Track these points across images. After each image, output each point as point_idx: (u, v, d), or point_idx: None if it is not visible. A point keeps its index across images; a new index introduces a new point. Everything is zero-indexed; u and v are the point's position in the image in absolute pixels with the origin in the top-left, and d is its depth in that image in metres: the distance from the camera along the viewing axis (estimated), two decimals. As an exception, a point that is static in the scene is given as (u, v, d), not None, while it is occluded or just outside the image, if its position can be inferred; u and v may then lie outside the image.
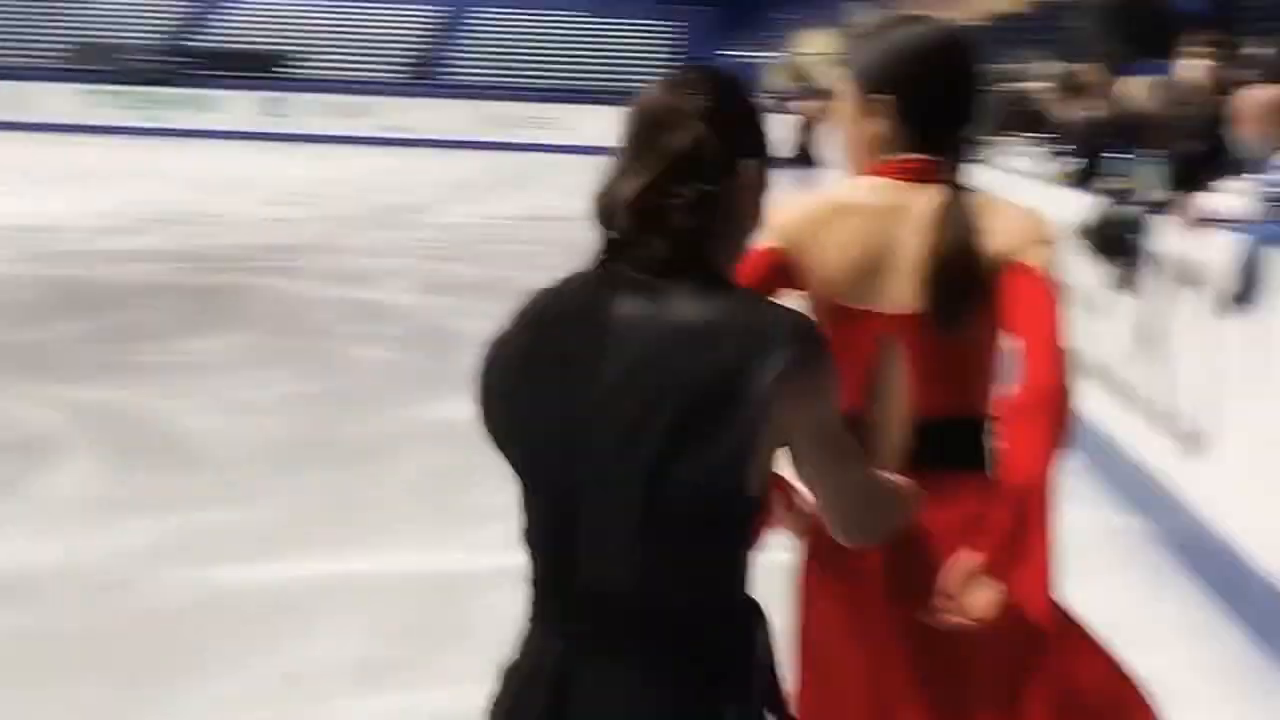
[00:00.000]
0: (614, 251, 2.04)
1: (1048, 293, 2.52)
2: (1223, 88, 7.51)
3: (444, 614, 5.50)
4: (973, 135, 2.66)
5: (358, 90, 41.48)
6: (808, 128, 23.24)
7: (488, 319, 9.76)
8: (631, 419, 1.93)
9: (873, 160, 2.64)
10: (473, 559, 6.12)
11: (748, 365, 1.91)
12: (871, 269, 2.59)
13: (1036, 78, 21.34)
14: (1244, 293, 5.53)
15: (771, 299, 2.09)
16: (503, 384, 2.08)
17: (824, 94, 37.74)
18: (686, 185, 1.98)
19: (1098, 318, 7.96)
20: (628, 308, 1.98)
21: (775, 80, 44.99)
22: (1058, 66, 20.37)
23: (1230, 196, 6.14)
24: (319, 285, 13.68)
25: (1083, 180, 8.21)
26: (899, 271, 2.59)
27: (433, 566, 6.05)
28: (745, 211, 2.06)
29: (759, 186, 2.06)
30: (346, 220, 19.65)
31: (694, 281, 1.97)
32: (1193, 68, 7.77)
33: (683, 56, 46.63)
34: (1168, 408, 6.63)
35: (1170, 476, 6.45)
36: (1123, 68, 9.48)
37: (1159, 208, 6.90)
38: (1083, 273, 8.19)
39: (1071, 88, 9.10)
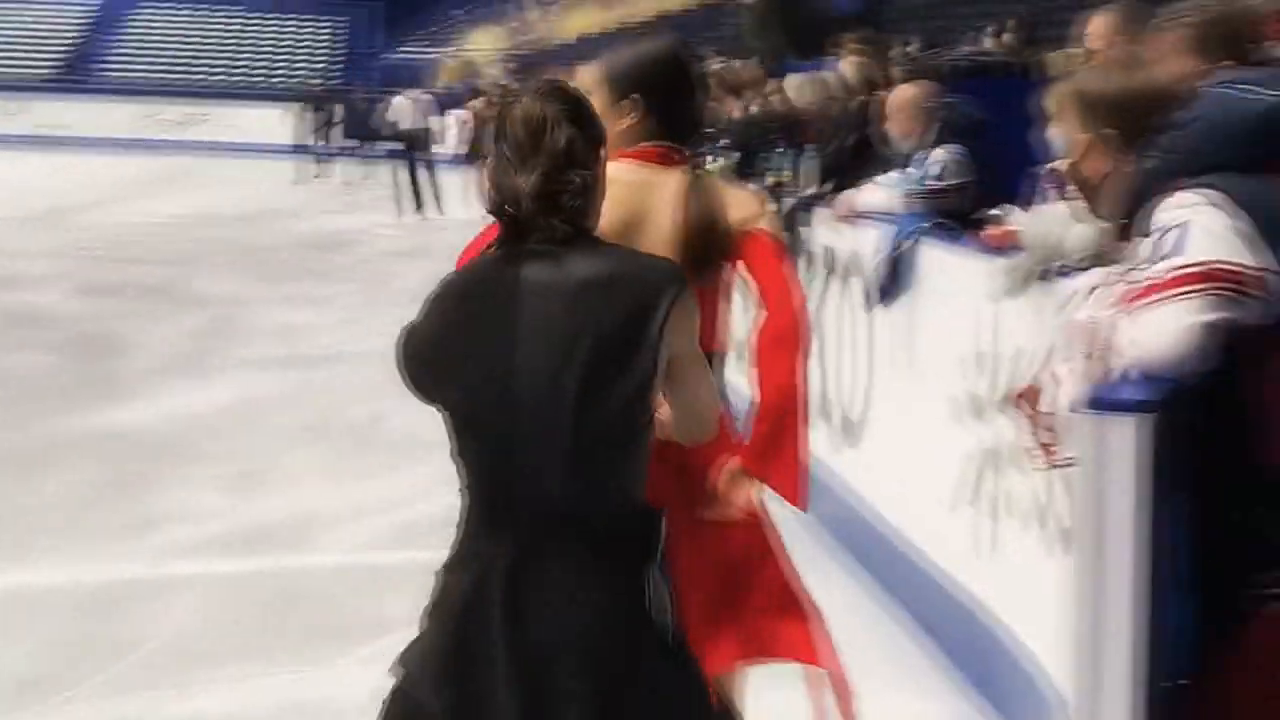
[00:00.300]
0: (515, 231, 2.66)
1: (777, 251, 3.36)
2: (873, 85, 7.79)
3: (102, 627, 5.35)
4: (701, 128, 3.50)
5: (9, 89, 39.82)
6: (478, 125, 23.38)
7: (152, 321, 9.62)
8: (554, 362, 2.56)
9: (623, 148, 3.31)
10: (131, 569, 5.98)
11: (649, 305, 2.59)
12: (630, 232, 3.20)
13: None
14: (886, 286, 5.75)
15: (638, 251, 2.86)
16: (430, 346, 2.67)
17: (492, 90, 37.86)
18: (571, 174, 2.64)
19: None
20: (536, 272, 2.61)
21: (444, 77, 44.89)
22: (718, 64, 20.89)
23: (878, 191, 6.37)
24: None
25: (739, 175, 8.41)
26: (653, 235, 3.27)
27: (91, 577, 5.87)
28: (601, 186, 2.73)
29: (603, 165, 2.75)
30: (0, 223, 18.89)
31: (584, 246, 2.64)
32: (845, 66, 8.05)
33: (344, 52, 46.14)
34: (824, 398, 6.86)
35: (828, 465, 6.67)
36: (780, 65, 9.75)
37: (812, 202, 7.12)
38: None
39: (729, 85, 9.32)
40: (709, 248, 3.31)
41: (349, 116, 37.25)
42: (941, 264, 5.45)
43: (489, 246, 2.74)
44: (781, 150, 7.85)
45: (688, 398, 2.77)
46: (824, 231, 6.90)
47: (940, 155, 6.18)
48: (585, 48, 49.14)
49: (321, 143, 31.29)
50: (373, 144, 27.70)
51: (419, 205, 22.25)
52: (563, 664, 2.59)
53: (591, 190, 2.70)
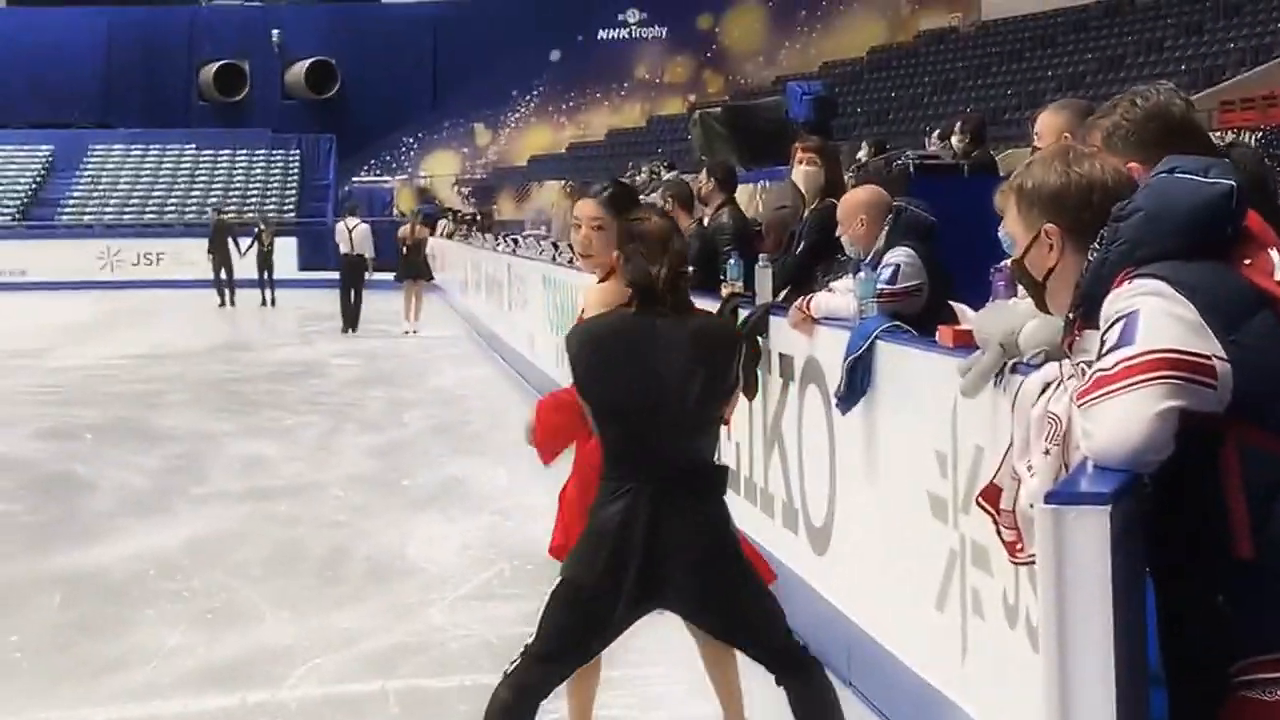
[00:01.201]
0: (649, 299, 4.54)
1: None
2: (825, 191, 7.86)
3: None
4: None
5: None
6: (410, 247, 25.23)
7: (112, 461, 9.61)
8: (679, 381, 4.44)
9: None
10: (99, 713, 5.90)
11: (732, 347, 4.59)
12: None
13: (654, 188, 22.14)
14: (846, 392, 5.75)
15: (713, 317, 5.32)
16: (592, 367, 4.52)
17: (447, 211, 38.21)
18: (685, 268, 4.64)
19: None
20: (665, 328, 4.50)
21: (403, 202, 45.18)
22: (668, 176, 21.08)
23: (834, 296, 6.40)
24: (-73, 439, 13.04)
25: (698, 287, 8.46)
26: None
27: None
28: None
29: None
30: (-45, 369, 18.82)
31: (688, 313, 4.61)
32: (797, 173, 8.11)
33: (295, 183, 46.37)
34: (789, 506, 6.85)
35: (796, 574, 6.64)
36: (730, 176, 9.82)
37: (772, 310, 7.15)
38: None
39: (681, 198, 9.38)
40: None
41: (303, 246, 37.68)
42: (899, 366, 5.47)
43: (627, 306, 4.61)
44: (734, 260, 7.89)
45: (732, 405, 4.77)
46: (782, 339, 6.92)
47: (893, 258, 6.21)
48: (537, 167, 49.61)
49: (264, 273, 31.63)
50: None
51: (353, 328, 23.76)
52: (683, 555, 4.45)
53: (689, 278, 4.70)
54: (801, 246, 7.81)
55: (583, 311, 5.08)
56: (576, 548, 4.60)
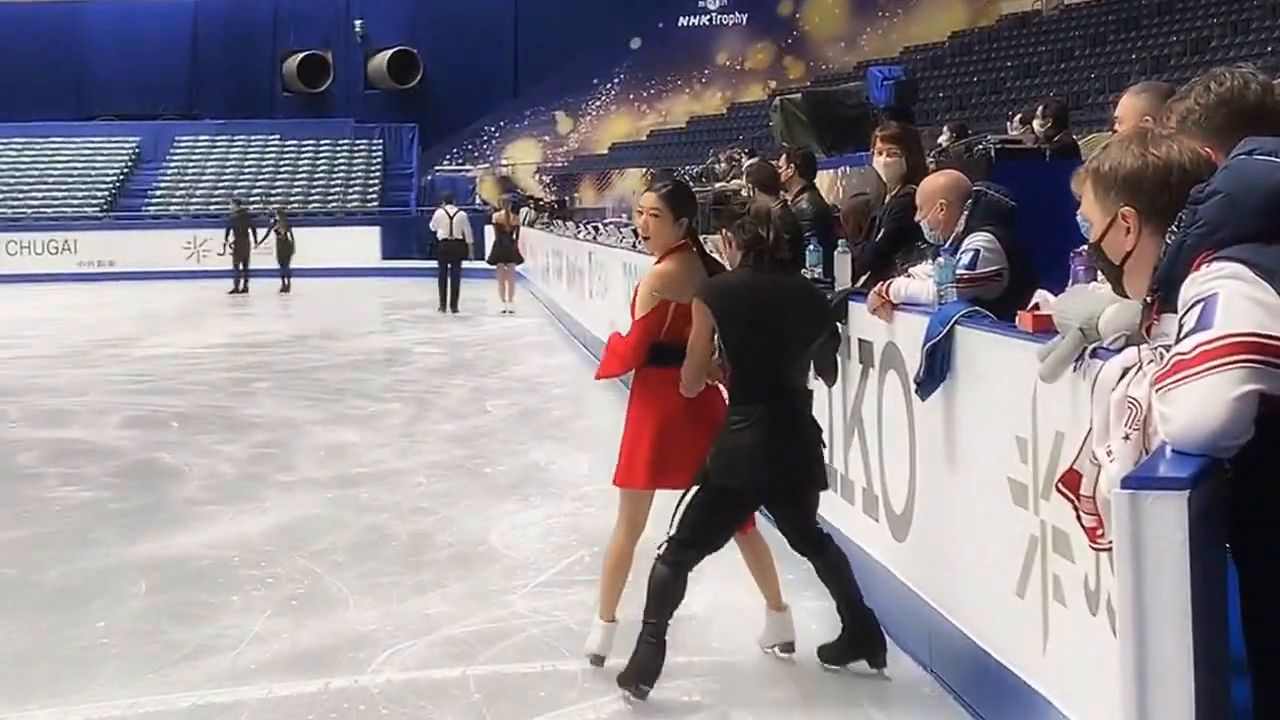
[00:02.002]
0: (761, 257, 5.84)
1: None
2: (906, 177, 7.82)
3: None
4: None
5: (56, 226, 40.45)
6: (503, 232, 26.55)
7: (198, 452, 9.74)
8: (798, 320, 5.85)
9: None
10: (188, 698, 5.97)
11: (824, 301, 6.24)
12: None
13: (735, 175, 22.10)
14: (925, 377, 5.72)
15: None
16: (735, 317, 5.78)
17: (528, 199, 38.45)
18: (785, 234, 5.96)
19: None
20: (780, 278, 5.88)
21: (485, 191, 45.36)
22: (749, 162, 21.03)
23: (913, 282, 6.36)
24: (22, 429, 13.23)
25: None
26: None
27: (149, 708, 5.86)
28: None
29: None
30: (48, 360, 19.08)
31: (792, 268, 6.08)
32: (878, 159, 8.08)
33: (378, 173, 46.64)
34: (868, 492, 6.83)
35: (878, 559, 6.62)
36: (815, 161, 9.80)
37: (852, 296, 7.13)
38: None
39: (764, 183, 9.37)
40: None
41: (385, 235, 38.13)
42: (979, 351, 5.44)
43: (742, 267, 5.92)
44: (813, 246, 7.86)
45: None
46: (861, 325, 6.90)
47: (973, 243, 6.17)
48: (618, 155, 49.59)
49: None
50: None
51: (454, 308, 25.45)
52: (806, 459, 5.89)
53: (786, 244, 5.97)
54: (881, 232, 7.78)
55: (637, 288, 6.30)
56: (722, 460, 5.78)
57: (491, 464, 11.07)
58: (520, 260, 27.52)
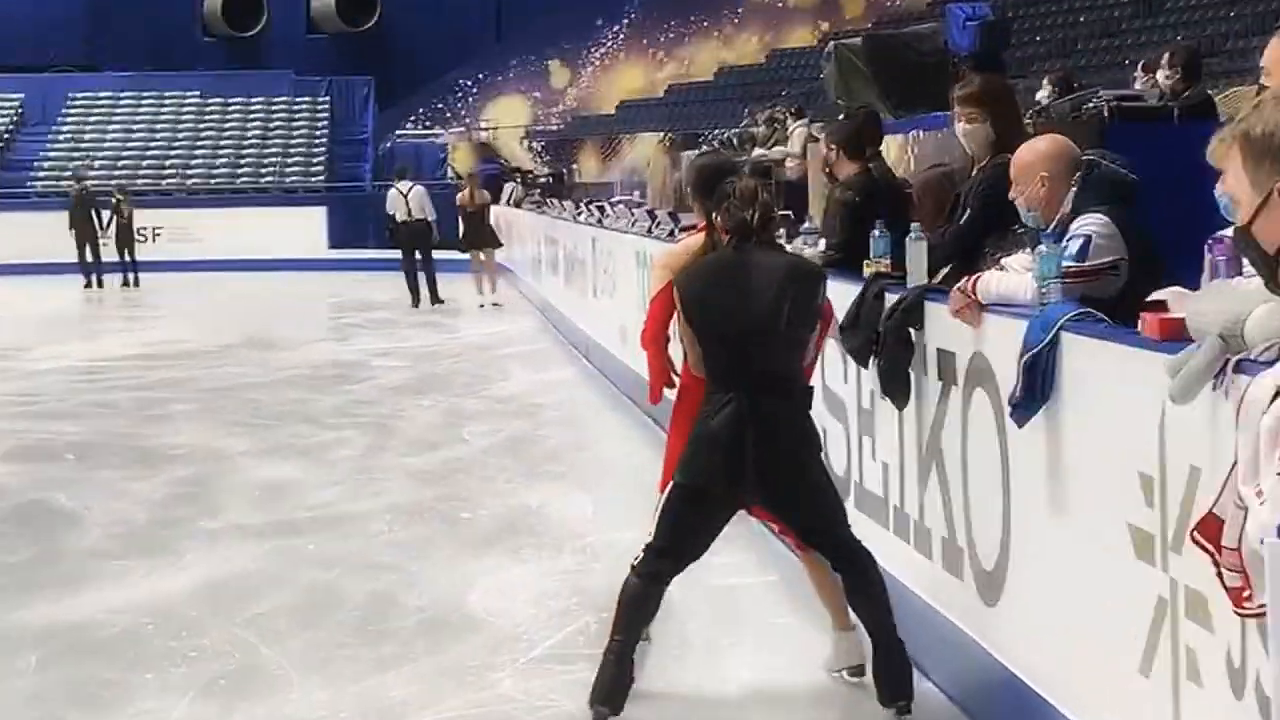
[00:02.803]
0: (745, 237, 6.71)
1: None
2: (996, 144, 7.81)
3: None
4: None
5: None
6: (470, 214, 27.59)
7: (101, 491, 9.83)
8: (774, 304, 6.55)
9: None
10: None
11: (818, 279, 6.80)
12: None
13: (778, 141, 22.13)
14: (1022, 398, 5.73)
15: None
16: (697, 295, 6.68)
17: (514, 172, 38.55)
18: (774, 214, 6.87)
19: (865, 433, 8.19)
20: (759, 258, 6.67)
21: (459, 161, 45.41)
22: (799, 126, 21.07)
23: (1007, 277, 6.37)
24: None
25: (841, 266, 8.47)
26: None
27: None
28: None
29: None
30: (-94, 374, 19.15)
31: (778, 248, 7.08)
32: (959, 120, 8.08)
33: (324, 138, 46.66)
34: (950, 544, 6.83)
35: (961, 628, 6.63)
36: (880, 124, 9.81)
37: (929, 294, 7.14)
38: (841, 376, 8.44)
39: (847, 141, 9.34)
40: None
41: (334, 218, 38.31)
42: (1091, 364, 5.44)
43: (728, 244, 6.80)
44: (879, 231, 7.88)
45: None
46: (940, 331, 6.91)
47: (1083, 227, 6.18)
48: (628, 116, 49.65)
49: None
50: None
51: (435, 300, 26.42)
52: (783, 451, 6.52)
53: (778, 223, 7.05)
54: (966, 214, 7.77)
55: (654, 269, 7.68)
56: (688, 453, 6.69)
57: (470, 507, 11.11)
58: (498, 243, 28.27)
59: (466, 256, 27.59)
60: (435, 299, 26.43)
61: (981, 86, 8.18)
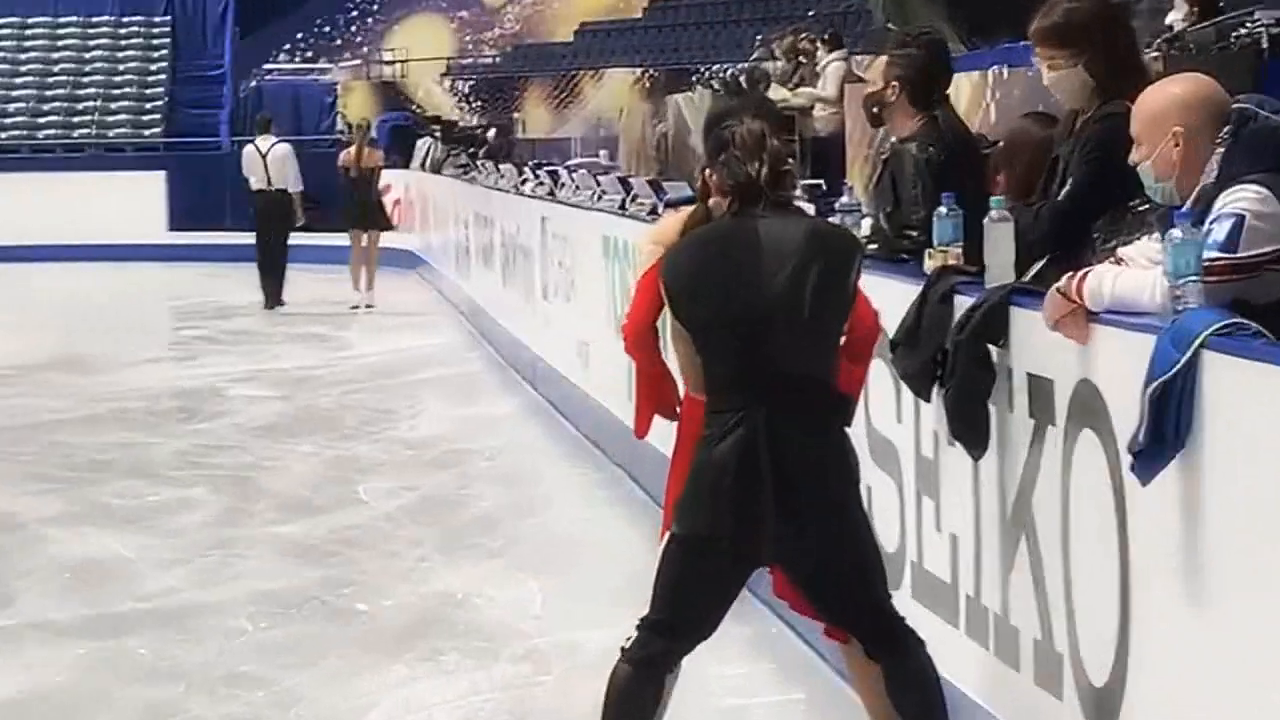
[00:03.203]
0: (748, 201, 6.90)
1: None
2: (1112, 84, 7.81)
3: None
4: None
5: None
6: (357, 180, 27.78)
7: None
8: (793, 281, 6.73)
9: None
10: None
11: (852, 251, 7.05)
12: None
13: (802, 81, 22.12)
14: (1150, 441, 5.72)
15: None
16: (687, 281, 6.92)
17: (431, 123, 38.57)
18: (787, 166, 7.07)
19: (926, 492, 8.19)
20: (769, 227, 6.85)
21: (352, 108, 45.37)
22: (837, 56, 21.11)
23: (1127, 273, 6.36)
24: None
25: (890, 254, 8.49)
26: None
27: None
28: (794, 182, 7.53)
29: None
30: None
31: (795, 211, 7.17)
32: (1049, 79, 8.09)
33: (163, 74, 46.51)
34: (1049, 646, 6.84)
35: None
36: (948, 60, 9.81)
37: (1014, 295, 7.14)
38: (893, 411, 8.44)
39: (913, 80, 9.25)
40: None
41: (177, 188, 38.23)
42: (1245, 397, 5.45)
43: (728, 211, 6.96)
44: (948, 210, 7.87)
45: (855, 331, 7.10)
46: (1031, 349, 6.93)
47: (1234, 204, 6.18)
48: (589, 45, 49.72)
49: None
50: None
51: (276, 302, 26.96)
52: (815, 490, 6.64)
53: (794, 178, 7.19)
54: (1068, 186, 7.79)
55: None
56: (686, 494, 6.81)
57: (369, 595, 11.16)
58: (388, 225, 28.68)
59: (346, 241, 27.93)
60: (275, 299, 26.83)
61: (1066, 15, 8.13)
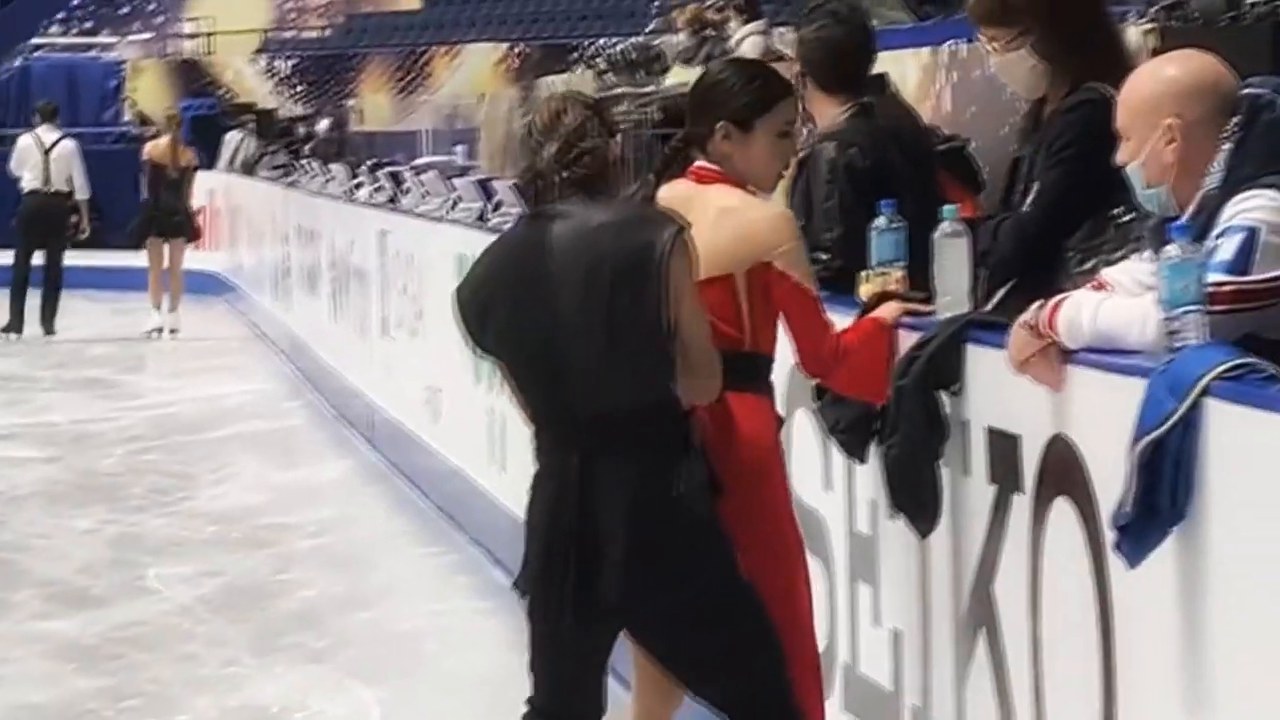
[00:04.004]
0: (537, 198, 7.51)
1: (799, 297, 7.89)
2: (1075, 70, 7.86)
3: None
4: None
5: None
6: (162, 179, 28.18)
7: None
8: (583, 289, 7.22)
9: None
10: None
11: (653, 239, 7.25)
12: None
13: (709, 56, 22.17)
14: (1140, 514, 5.73)
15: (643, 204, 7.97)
16: (477, 305, 7.46)
17: (242, 112, 38.65)
18: (584, 144, 7.45)
19: (860, 577, 8.21)
20: (558, 226, 7.34)
21: (143, 94, 45.34)
22: (754, 28, 21.20)
23: (1110, 300, 6.38)
24: None
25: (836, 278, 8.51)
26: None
27: None
28: (617, 169, 7.69)
29: (619, 156, 7.79)
30: None
31: (597, 203, 7.44)
32: (997, 65, 8.15)
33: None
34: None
35: None
36: (872, 34, 9.86)
37: (973, 331, 7.16)
38: (820, 477, 8.47)
39: (824, 63, 9.32)
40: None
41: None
42: (1259, 454, 5.46)
43: (521, 216, 7.72)
44: (887, 221, 7.90)
45: (689, 341, 7.20)
46: (992, 397, 6.95)
47: (1245, 213, 6.22)
48: (438, 16, 49.83)
49: None
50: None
51: (47, 328, 27.16)
52: (610, 537, 7.03)
53: (602, 161, 7.37)
54: (1035, 193, 7.83)
55: None
56: (525, 549, 7.38)
57: (161, 709, 11.19)
58: (194, 235, 28.89)
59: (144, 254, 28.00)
60: (47, 325, 26.98)
61: None
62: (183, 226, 28.17)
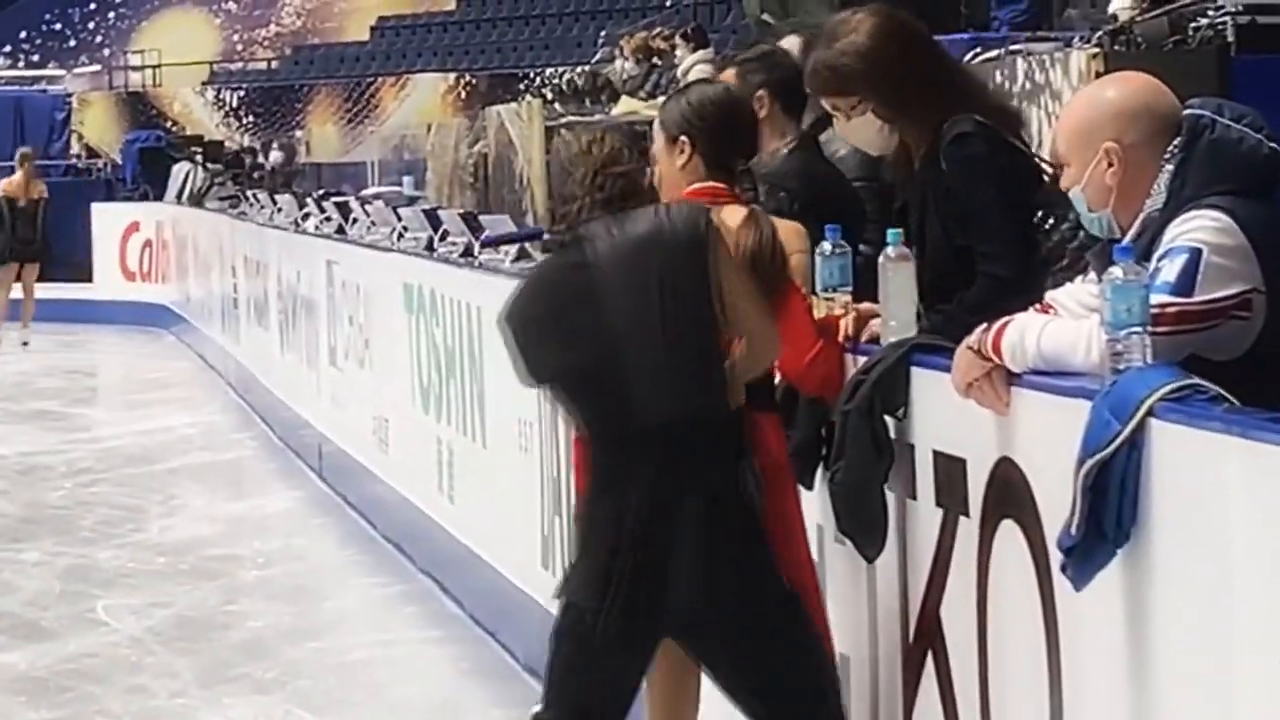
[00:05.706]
0: (570, 222, 7.68)
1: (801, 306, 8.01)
2: (925, 114, 7.86)
3: None
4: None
5: None
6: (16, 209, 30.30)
7: None
8: (635, 297, 7.39)
9: (679, 189, 8.10)
10: None
11: (692, 234, 7.50)
12: None
13: (658, 86, 22.18)
14: (1086, 536, 5.72)
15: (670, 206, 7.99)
16: (533, 335, 7.64)
17: (188, 146, 38.68)
18: (619, 166, 7.73)
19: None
20: (598, 243, 7.48)
21: (90, 126, 45.33)
22: (700, 58, 21.22)
23: (1055, 324, 6.38)
24: None
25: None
26: None
27: None
28: (647, 195, 7.86)
29: (652, 183, 8.08)
30: None
31: (631, 218, 7.61)
32: (842, 129, 8.18)
33: None
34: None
35: None
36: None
37: (916, 355, 7.16)
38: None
39: (782, 84, 9.27)
40: (771, 271, 7.80)
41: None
42: (1204, 476, 5.46)
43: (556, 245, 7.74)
44: (833, 246, 7.90)
45: (741, 316, 7.42)
46: (936, 422, 6.94)
47: (1188, 234, 6.21)
48: (388, 46, 49.90)
49: None
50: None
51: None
52: (681, 544, 7.14)
53: (634, 184, 7.67)
54: (986, 242, 7.80)
55: None
56: (574, 560, 7.56)
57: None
58: (48, 258, 31.43)
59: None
60: None
61: (830, 65, 8.13)
62: (37, 252, 30.72)
